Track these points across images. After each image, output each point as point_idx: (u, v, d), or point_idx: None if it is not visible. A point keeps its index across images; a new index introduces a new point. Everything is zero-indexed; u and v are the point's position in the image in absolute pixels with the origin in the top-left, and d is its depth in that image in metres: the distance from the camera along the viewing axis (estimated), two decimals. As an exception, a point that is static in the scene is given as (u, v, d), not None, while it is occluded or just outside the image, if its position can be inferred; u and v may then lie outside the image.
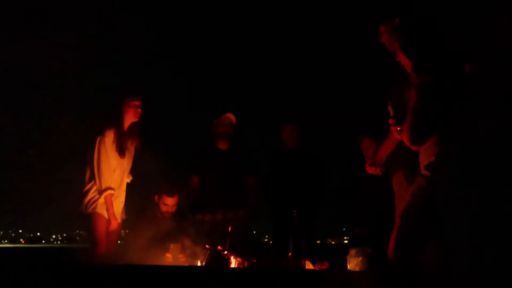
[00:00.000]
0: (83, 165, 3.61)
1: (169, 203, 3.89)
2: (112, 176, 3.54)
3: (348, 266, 2.83)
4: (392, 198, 2.77)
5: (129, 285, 2.56)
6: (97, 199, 3.49)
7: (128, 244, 3.84)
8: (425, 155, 2.21)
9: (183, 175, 4.38)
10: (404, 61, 2.36)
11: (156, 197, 3.97)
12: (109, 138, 3.54)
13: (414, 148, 2.29)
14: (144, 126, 3.85)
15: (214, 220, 4.10)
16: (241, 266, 3.00)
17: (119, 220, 3.64)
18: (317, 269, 2.94)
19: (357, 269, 2.78)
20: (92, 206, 3.48)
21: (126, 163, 3.67)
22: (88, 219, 3.50)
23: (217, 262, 2.98)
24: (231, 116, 4.30)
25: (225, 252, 3.06)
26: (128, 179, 3.74)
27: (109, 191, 3.48)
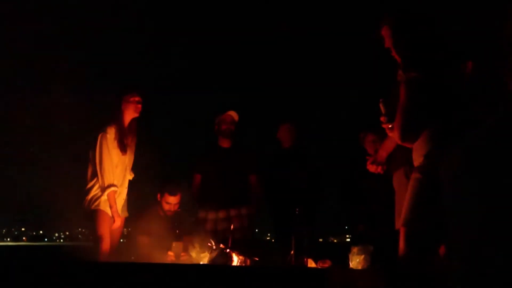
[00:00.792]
0: (85, 163, 3.62)
1: (171, 201, 3.89)
2: (115, 172, 3.54)
3: (350, 264, 2.83)
4: (393, 196, 2.77)
5: (131, 283, 2.56)
6: (100, 196, 3.48)
7: (130, 242, 3.85)
8: (417, 154, 2.20)
9: (186, 174, 4.39)
10: (396, 57, 2.37)
11: (158, 196, 3.98)
12: (111, 134, 3.54)
13: (405, 145, 2.29)
14: (146, 124, 3.86)
15: (216, 218, 4.11)
16: (243, 264, 3.00)
17: (122, 217, 3.64)
18: (319, 267, 2.94)
19: (359, 267, 2.78)
20: (95, 204, 3.48)
21: (127, 160, 3.67)
22: (91, 216, 3.50)
23: (219, 260, 2.99)
24: (233, 114, 4.30)
25: (228, 250, 3.07)
26: (130, 176, 3.74)
27: (112, 188, 3.48)
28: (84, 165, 3.63)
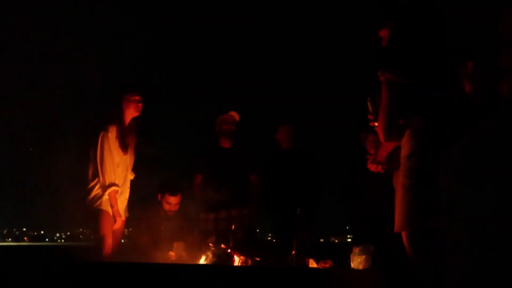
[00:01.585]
0: (86, 163, 3.61)
1: (172, 201, 3.89)
2: (117, 172, 3.53)
3: (352, 264, 2.82)
4: (394, 196, 2.76)
5: (132, 283, 2.56)
6: (102, 196, 3.47)
7: (131, 242, 3.85)
8: (402, 153, 2.20)
9: (186, 174, 4.39)
10: None
11: (159, 196, 3.98)
12: (112, 133, 3.53)
13: (393, 144, 2.30)
14: (147, 124, 3.86)
15: (217, 218, 4.11)
16: (245, 264, 3.00)
17: (123, 218, 3.64)
18: (320, 267, 2.94)
19: (361, 267, 2.77)
20: (97, 203, 3.47)
21: (129, 159, 3.66)
22: (93, 216, 3.49)
23: (221, 260, 2.98)
24: (234, 115, 4.30)
25: (229, 250, 3.07)
26: (131, 175, 3.73)
27: (113, 188, 3.46)
28: (85, 164, 3.62)
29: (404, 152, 2.16)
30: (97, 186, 3.50)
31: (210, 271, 2.71)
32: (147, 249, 3.54)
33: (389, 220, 2.80)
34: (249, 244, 3.76)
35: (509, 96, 1.18)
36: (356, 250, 2.83)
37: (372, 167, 2.72)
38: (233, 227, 3.71)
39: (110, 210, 3.49)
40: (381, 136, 2.27)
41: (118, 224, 3.53)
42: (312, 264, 2.95)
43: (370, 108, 2.42)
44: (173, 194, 3.89)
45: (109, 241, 3.42)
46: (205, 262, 3.12)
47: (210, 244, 3.24)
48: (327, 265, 2.98)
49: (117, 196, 3.52)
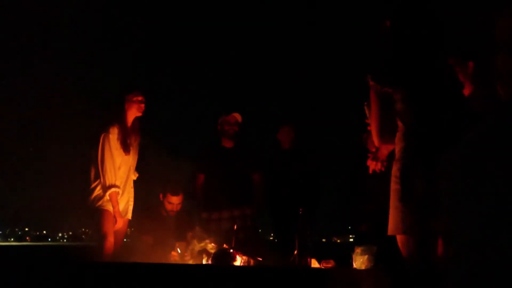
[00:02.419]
0: (88, 163, 3.62)
1: (174, 201, 3.90)
2: (117, 173, 3.53)
3: (354, 264, 2.82)
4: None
5: (135, 283, 2.57)
6: (103, 196, 3.48)
7: (134, 242, 3.86)
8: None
9: (188, 173, 4.39)
10: None
11: (161, 196, 3.98)
12: (114, 134, 3.53)
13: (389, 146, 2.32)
14: (149, 124, 3.86)
15: (220, 218, 4.11)
16: (247, 264, 3.00)
17: (126, 218, 3.63)
18: (322, 267, 2.94)
19: (363, 267, 2.77)
20: (99, 203, 3.48)
21: (131, 160, 3.66)
22: (95, 216, 3.49)
23: (223, 260, 2.98)
24: (237, 116, 4.30)
25: (231, 250, 3.06)
26: (134, 176, 3.73)
27: (113, 189, 3.46)
28: (87, 165, 3.63)
29: (396, 154, 2.17)
30: (99, 187, 3.51)
31: (212, 271, 2.71)
32: (149, 249, 3.55)
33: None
34: (253, 243, 3.77)
35: (506, 99, 1.18)
36: (358, 250, 2.83)
37: (372, 164, 2.72)
38: (235, 227, 3.71)
39: (111, 210, 3.50)
40: (375, 140, 2.28)
41: (119, 224, 3.53)
42: (314, 264, 2.94)
43: (367, 113, 2.43)
44: (175, 194, 3.90)
45: (110, 241, 3.42)
46: (208, 262, 3.12)
47: (212, 244, 3.23)
48: (329, 265, 2.97)
49: (118, 197, 3.52)
